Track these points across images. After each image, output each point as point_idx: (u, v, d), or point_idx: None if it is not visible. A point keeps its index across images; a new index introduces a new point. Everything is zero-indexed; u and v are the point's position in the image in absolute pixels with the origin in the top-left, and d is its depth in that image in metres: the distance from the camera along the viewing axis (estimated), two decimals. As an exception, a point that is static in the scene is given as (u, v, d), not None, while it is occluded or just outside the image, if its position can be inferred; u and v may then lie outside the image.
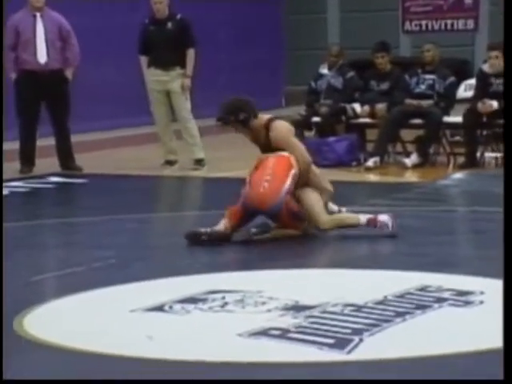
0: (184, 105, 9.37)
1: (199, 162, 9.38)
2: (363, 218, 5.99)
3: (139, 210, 7.17)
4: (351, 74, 9.89)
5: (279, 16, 15.17)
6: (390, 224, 5.92)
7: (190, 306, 4.42)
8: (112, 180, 8.87)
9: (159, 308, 4.41)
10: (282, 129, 6.12)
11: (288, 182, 5.92)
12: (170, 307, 4.42)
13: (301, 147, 6.13)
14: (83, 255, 5.63)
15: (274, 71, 15.00)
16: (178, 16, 9.38)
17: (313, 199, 6.02)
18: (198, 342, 3.94)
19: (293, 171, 5.97)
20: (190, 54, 9.29)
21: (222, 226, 5.89)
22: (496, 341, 3.86)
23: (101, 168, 9.44)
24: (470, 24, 15.12)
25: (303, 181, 6.04)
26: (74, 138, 9.62)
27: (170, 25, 9.32)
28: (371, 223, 5.95)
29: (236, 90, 15.23)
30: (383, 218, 5.96)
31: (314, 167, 6.20)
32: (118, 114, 12.51)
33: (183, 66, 9.29)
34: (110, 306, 4.55)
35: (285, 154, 6.04)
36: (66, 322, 4.29)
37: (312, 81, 10.03)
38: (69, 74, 9.23)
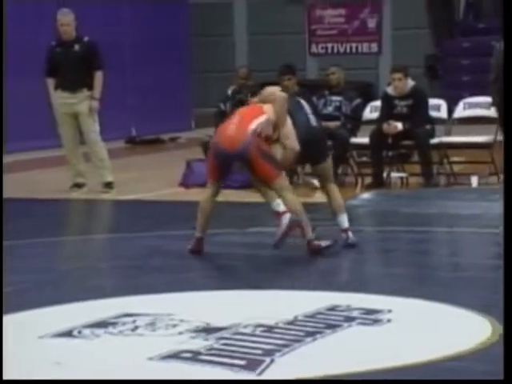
0: (92, 127, 9.29)
1: (108, 185, 9.31)
2: (277, 205, 5.98)
3: (48, 234, 7.07)
4: (260, 96, 9.97)
5: (185, 38, 15.20)
6: (279, 232, 5.91)
7: (100, 331, 4.37)
8: (20, 204, 8.72)
9: (68, 333, 4.34)
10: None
11: (255, 123, 5.92)
12: (79, 332, 4.36)
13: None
14: (-10, 281, 5.51)
15: (183, 93, 15.01)
16: (86, 38, 9.31)
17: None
18: (107, 367, 3.90)
19: (263, 117, 5.96)
20: (98, 76, 9.23)
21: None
22: (405, 357, 3.92)
23: (9, 191, 9.27)
24: (374, 47, 15.45)
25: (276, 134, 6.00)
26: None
27: (77, 47, 9.25)
28: (276, 215, 5.97)
29: (145, 113, 15.21)
30: (284, 221, 5.93)
31: (289, 122, 6.07)
32: (26, 136, 12.33)
33: (90, 88, 9.23)
34: (18, 332, 4.46)
35: (259, 105, 6.09)
36: (-29, 349, 4.19)
37: (221, 102, 10.07)
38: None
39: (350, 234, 6.26)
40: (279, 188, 5.98)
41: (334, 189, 6.34)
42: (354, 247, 6.17)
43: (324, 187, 6.37)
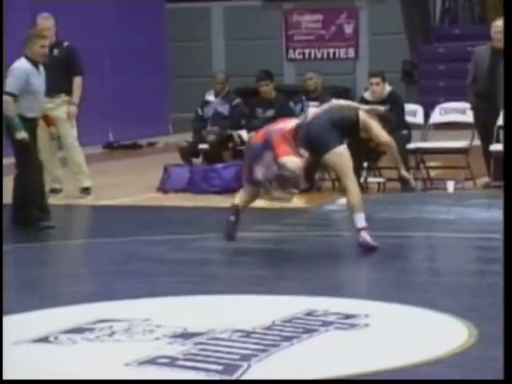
0: (69, 132, 9.26)
1: (86, 191, 9.27)
2: None
3: (22, 240, 7.03)
4: (237, 101, 9.98)
5: (162, 43, 15.18)
6: None
7: (77, 336, 4.35)
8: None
9: (44, 339, 4.32)
10: None
11: (278, 127, 6.32)
12: (56, 338, 4.34)
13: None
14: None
15: (160, 98, 14.99)
16: (65, 43, 9.28)
17: None
18: (84, 373, 3.89)
19: (287, 124, 6.34)
20: (77, 82, 9.20)
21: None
22: (381, 362, 3.94)
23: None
24: (351, 53, 15.49)
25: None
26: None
27: (56, 52, 9.20)
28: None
29: (122, 118, 15.17)
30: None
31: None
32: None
33: (68, 93, 9.19)
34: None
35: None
36: None
37: (199, 107, 10.07)
38: None
39: (364, 234, 6.10)
40: (281, 162, 6.08)
41: (349, 185, 6.18)
42: (375, 250, 6.09)
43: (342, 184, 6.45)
